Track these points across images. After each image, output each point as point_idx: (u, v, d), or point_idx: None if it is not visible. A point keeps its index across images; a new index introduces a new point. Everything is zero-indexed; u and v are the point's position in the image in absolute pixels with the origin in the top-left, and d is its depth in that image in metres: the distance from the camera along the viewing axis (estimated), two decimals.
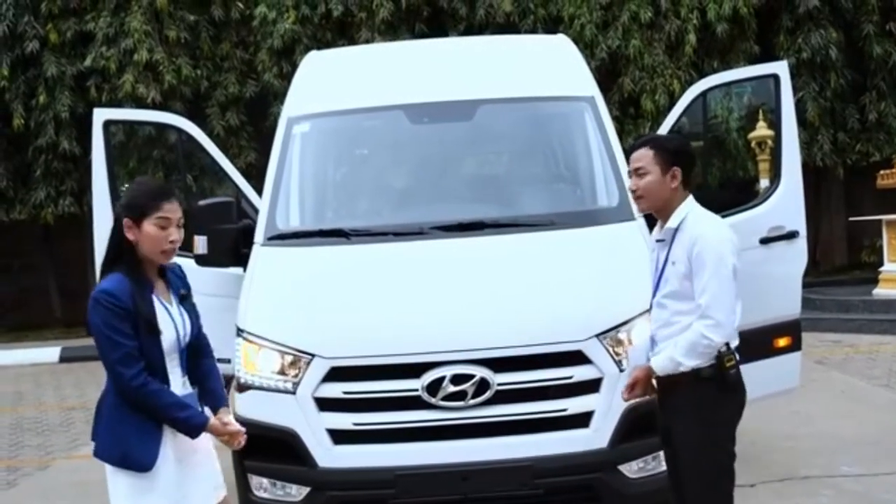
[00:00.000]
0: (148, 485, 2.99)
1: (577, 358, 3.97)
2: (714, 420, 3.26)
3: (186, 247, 4.89)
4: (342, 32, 14.46)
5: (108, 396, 3.06)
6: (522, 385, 3.93)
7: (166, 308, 3.08)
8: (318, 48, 7.86)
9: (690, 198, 3.38)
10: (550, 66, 5.48)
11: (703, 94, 5.23)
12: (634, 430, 3.96)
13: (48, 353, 13.17)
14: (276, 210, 4.86)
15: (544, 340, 3.95)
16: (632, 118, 13.84)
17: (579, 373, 3.96)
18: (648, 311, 4.09)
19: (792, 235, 5.00)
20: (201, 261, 4.73)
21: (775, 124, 5.35)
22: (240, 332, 4.19)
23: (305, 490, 3.98)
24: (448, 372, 3.87)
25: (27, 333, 15.37)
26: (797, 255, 5.05)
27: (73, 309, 15.20)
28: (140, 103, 13.56)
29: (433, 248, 4.44)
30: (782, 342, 5.01)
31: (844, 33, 14.15)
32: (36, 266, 16.37)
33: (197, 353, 3.23)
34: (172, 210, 3.05)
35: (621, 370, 3.97)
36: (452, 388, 3.86)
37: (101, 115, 5.31)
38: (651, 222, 4.58)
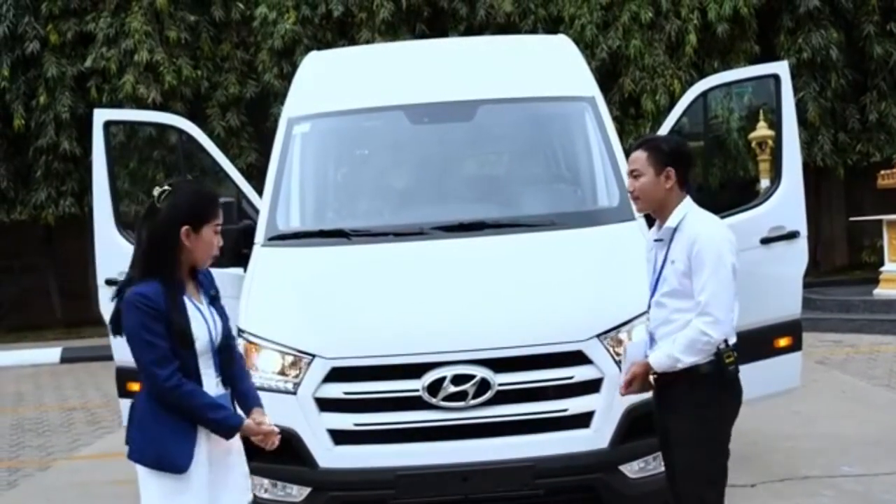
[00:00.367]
0: (182, 486, 2.98)
1: (578, 358, 3.97)
2: (712, 417, 3.28)
3: None
4: (342, 33, 14.46)
5: (141, 399, 3.05)
6: (523, 385, 3.93)
7: (199, 309, 3.08)
8: (319, 48, 7.87)
9: (688, 200, 3.40)
10: (551, 67, 5.49)
11: (704, 94, 5.23)
12: (635, 431, 3.96)
13: (49, 353, 13.16)
14: (277, 210, 4.87)
15: (545, 341, 3.95)
16: (632, 118, 13.84)
17: (580, 373, 3.97)
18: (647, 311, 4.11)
19: (792, 235, 4.99)
20: None
21: (776, 124, 5.34)
22: (240, 332, 4.19)
23: (306, 490, 3.98)
24: (449, 372, 3.87)
25: (28, 334, 15.37)
26: (798, 255, 5.05)
27: (74, 309, 15.21)
28: (140, 104, 13.56)
29: (434, 249, 4.45)
30: (783, 342, 5.01)
31: (845, 33, 14.15)
32: (36, 267, 16.37)
33: (228, 355, 3.22)
34: (221, 216, 3.12)
35: (622, 370, 3.96)
36: (453, 389, 3.86)
37: (101, 116, 5.31)
38: (651, 222, 4.60)
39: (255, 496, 4.11)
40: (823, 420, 6.81)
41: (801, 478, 5.43)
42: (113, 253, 5.19)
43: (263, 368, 4.08)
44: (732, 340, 3.31)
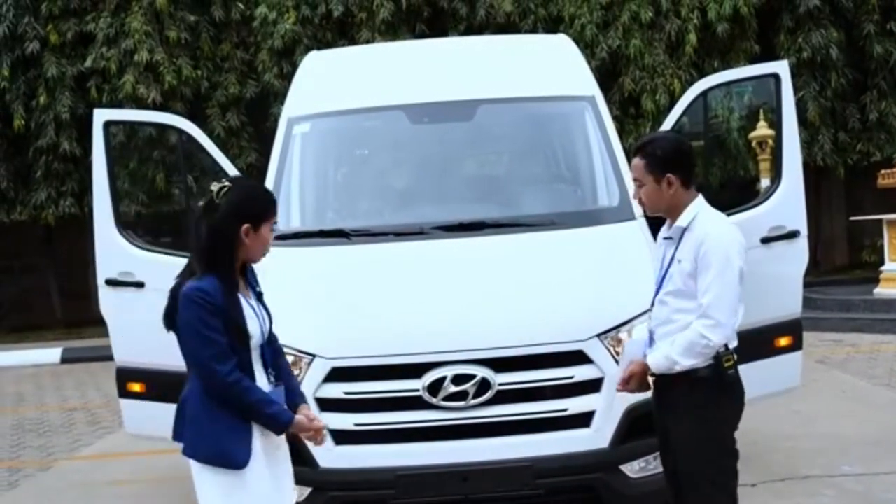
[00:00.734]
0: (240, 482, 2.98)
1: (578, 358, 3.97)
2: (712, 420, 3.24)
3: (187, 247, 4.91)
4: (342, 33, 14.46)
5: (193, 395, 3.03)
6: (523, 385, 3.93)
7: (250, 305, 3.10)
8: (319, 48, 7.86)
9: (699, 199, 3.34)
10: (551, 66, 5.49)
11: (704, 93, 5.23)
12: (635, 430, 3.96)
13: (49, 354, 13.17)
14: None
15: (545, 340, 3.95)
16: (632, 118, 13.83)
17: (580, 373, 3.97)
18: (649, 310, 4.11)
19: (793, 235, 4.99)
20: None
21: (776, 124, 5.34)
22: None
23: (307, 490, 3.97)
24: (449, 372, 3.87)
25: (28, 334, 15.37)
26: (798, 254, 5.05)
27: (74, 310, 15.22)
28: (140, 104, 13.56)
29: (434, 249, 4.45)
30: (783, 342, 5.01)
31: (845, 33, 14.14)
32: (37, 267, 16.37)
33: (274, 351, 3.24)
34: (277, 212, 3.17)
35: (620, 367, 3.96)
36: (453, 389, 3.86)
37: (101, 116, 5.31)
38: (651, 222, 4.60)
39: None
40: (824, 420, 6.81)
41: (801, 477, 5.43)
42: (113, 253, 5.19)
43: None
44: (733, 344, 3.27)
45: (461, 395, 3.87)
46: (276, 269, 4.51)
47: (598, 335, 3.99)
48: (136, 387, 5.25)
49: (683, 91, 6.19)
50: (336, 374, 3.95)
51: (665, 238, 3.41)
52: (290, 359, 3.99)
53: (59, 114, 14.33)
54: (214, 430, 2.98)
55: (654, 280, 4.28)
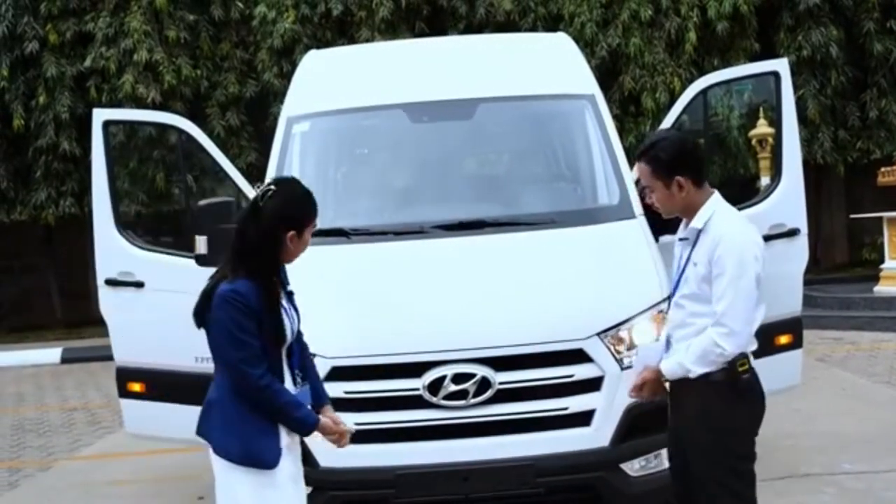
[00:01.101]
0: (269, 481, 2.99)
1: (578, 356, 3.96)
2: (725, 427, 3.12)
3: (187, 247, 4.91)
4: (342, 31, 14.45)
5: (222, 396, 3.02)
6: (523, 384, 3.93)
7: (283, 307, 3.09)
8: (318, 47, 7.85)
9: (715, 196, 3.21)
10: (550, 65, 5.48)
11: (704, 91, 5.23)
12: (636, 429, 3.96)
13: (49, 354, 13.16)
14: None
15: (545, 339, 3.95)
16: (632, 116, 13.83)
17: (580, 371, 3.96)
18: (649, 309, 4.11)
19: (793, 233, 4.99)
20: (202, 261, 4.71)
21: (776, 122, 5.34)
22: None
23: (307, 490, 3.97)
24: (449, 371, 3.87)
25: (28, 334, 15.37)
26: (798, 252, 5.05)
27: (74, 310, 15.21)
28: (140, 103, 13.55)
29: (434, 248, 4.44)
30: (783, 340, 5.01)
31: (845, 30, 14.13)
32: (37, 267, 16.37)
33: (301, 350, 3.23)
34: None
35: (622, 368, 3.96)
36: (454, 388, 3.86)
37: (100, 116, 5.31)
38: (652, 220, 4.59)
39: None
40: (824, 417, 6.81)
41: (801, 475, 5.43)
42: (113, 253, 5.19)
43: None
44: (752, 348, 3.17)
45: (461, 394, 3.87)
46: None
47: (598, 334, 3.98)
48: (136, 386, 5.25)
49: (683, 89, 6.19)
50: (336, 374, 3.95)
51: (680, 239, 3.29)
52: None
53: (58, 114, 14.32)
54: (245, 430, 2.98)
55: (654, 278, 4.29)
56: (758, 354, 3.26)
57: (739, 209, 4.94)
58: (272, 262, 3.03)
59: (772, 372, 4.85)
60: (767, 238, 4.91)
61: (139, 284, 5.13)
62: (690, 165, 3.18)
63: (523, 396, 3.93)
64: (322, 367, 3.93)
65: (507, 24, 13.73)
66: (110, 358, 5.37)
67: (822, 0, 13.62)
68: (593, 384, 3.97)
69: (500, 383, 3.88)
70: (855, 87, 14.43)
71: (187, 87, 14.36)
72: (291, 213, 3.03)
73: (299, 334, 3.21)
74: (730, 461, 3.15)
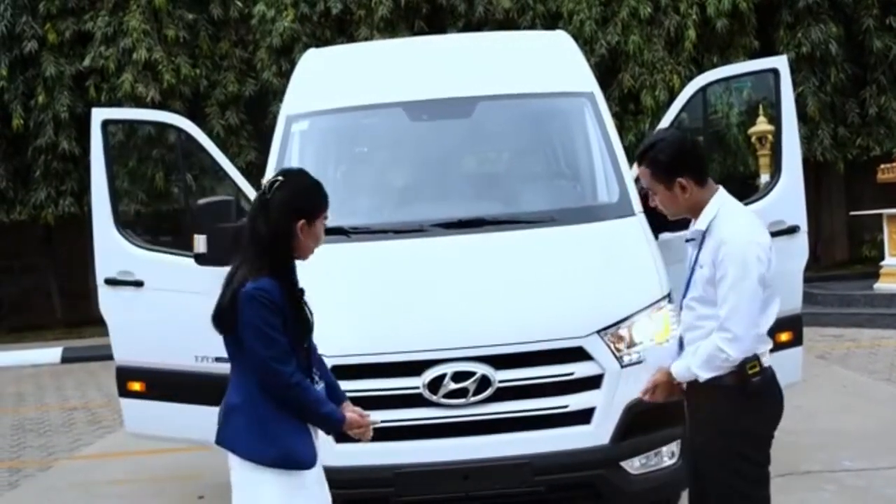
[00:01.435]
0: (301, 482, 2.92)
1: (578, 354, 3.96)
2: (735, 431, 3.05)
3: (186, 246, 4.91)
4: (341, 30, 14.45)
5: (245, 399, 2.92)
6: (523, 382, 3.93)
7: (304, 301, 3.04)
8: (317, 46, 7.85)
9: (719, 193, 3.13)
10: (549, 63, 5.48)
11: (703, 89, 5.22)
12: (636, 427, 3.96)
13: (49, 353, 13.16)
14: None
15: (545, 337, 3.95)
16: (632, 114, 13.83)
17: (580, 369, 3.96)
18: (649, 306, 4.11)
19: (793, 230, 4.99)
20: (201, 260, 4.72)
21: (775, 119, 5.34)
22: None
23: None
24: (449, 369, 3.87)
25: (28, 334, 15.36)
26: (798, 249, 5.04)
27: (74, 309, 15.21)
28: (139, 103, 13.54)
29: (433, 246, 4.44)
30: (784, 337, 5.00)
31: (844, 27, 14.12)
32: (37, 267, 16.36)
33: (313, 348, 3.18)
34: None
35: (622, 366, 3.97)
36: (453, 386, 3.86)
37: (99, 115, 5.30)
38: (652, 217, 4.59)
39: None
40: (824, 415, 6.81)
41: (802, 473, 5.43)
42: (112, 252, 5.19)
43: None
44: (764, 347, 3.11)
45: (461, 393, 3.86)
46: None
47: (598, 331, 3.98)
48: (136, 386, 5.26)
49: (683, 87, 6.18)
50: (336, 372, 3.89)
51: (687, 240, 3.23)
52: None
53: (57, 113, 14.32)
54: (279, 432, 2.89)
55: (654, 276, 4.29)
56: None
57: None
58: (286, 254, 2.94)
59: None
60: None
61: (139, 284, 5.13)
62: (691, 165, 3.10)
63: (523, 394, 3.93)
64: None
65: (506, 22, 13.73)
66: (110, 357, 5.37)
67: None
68: (593, 382, 3.97)
69: (500, 381, 3.88)
70: (854, 83, 14.42)
71: (186, 86, 14.35)
72: (300, 202, 2.95)
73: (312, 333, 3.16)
74: (740, 464, 3.08)
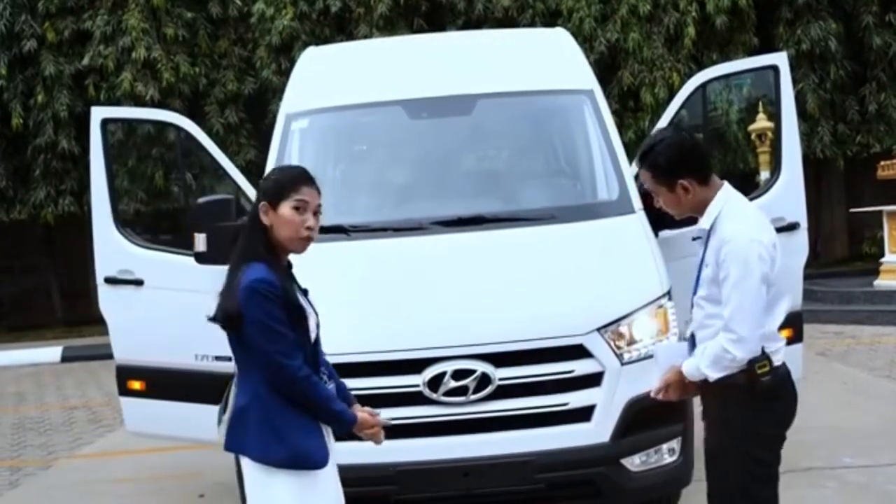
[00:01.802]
0: (314, 482, 2.84)
1: (579, 352, 3.96)
2: (745, 430, 3.03)
3: (186, 244, 4.91)
4: (340, 28, 14.45)
5: (253, 400, 2.84)
6: (524, 380, 3.92)
7: (303, 299, 2.98)
8: (317, 44, 7.84)
9: (723, 190, 3.09)
10: (549, 60, 5.47)
11: (703, 86, 5.22)
12: (636, 424, 3.95)
13: (50, 352, 13.17)
14: None
15: (545, 335, 3.94)
16: (631, 111, 13.83)
17: (580, 367, 3.96)
18: (649, 304, 4.10)
19: (793, 227, 4.98)
20: (201, 258, 4.71)
21: (775, 116, 5.33)
22: None
23: None
24: (449, 367, 3.86)
25: (28, 333, 15.37)
26: (798, 246, 5.04)
27: (74, 308, 15.22)
28: (138, 101, 13.56)
29: (433, 244, 4.43)
30: (784, 334, 4.97)
31: (844, 24, 14.13)
32: (36, 266, 16.37)
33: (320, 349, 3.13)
34: (311, 195, 2.90)
35: (623, 364, 3.97)
36: (454, 384, 3.86)
37: (98, 114, 5.30)
38: (652, 215, 4.59)
39: None
40: (825, 412, 6.80)
41: (803, 469, 5.43)
42: (112, 251, 5.19)
43: None
44: (776, 346, 3.10)
45: (461, 391, 3.86)
46: None
47: (599, 329, 3.98)
48: (136, 385, 5.26)
49: (682, 84, 6.18)
50: (336, 371, 3.94)
51: (694, 238, 3.22)
52: None
53: (57, 112, 14.33)
54: (290, 431, 2.82)
55: (654, 273, 4.28)
56: None
57: None
58: (257, 240, 2.86)
59: None
60: None
61: (139, 282, 5.13)
62: (692, 165, 3.06)
63: (523, 392, 3.92)
64: None
65: (506, 20, 13.74)
66: (110, 356, 5.37)
67: None
68: (593, 379, 3.97)
69: (500, 379, 3.88)
70: (854, 80, 14.43)
71: (186, 84, 14.36)
72: (263, 186, 2.91)
73: (319, 333, 3.09)
74: (749, 464, 3.07)
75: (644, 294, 4.13)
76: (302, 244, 2.93)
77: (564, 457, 3.89)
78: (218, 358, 4.83)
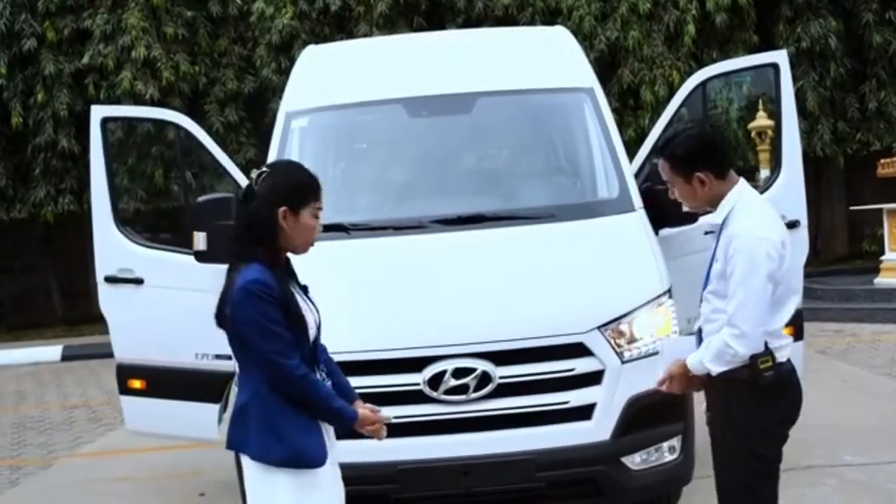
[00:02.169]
0: (314, 481, 2.85)
1: (579, 350, 3.96)
2: (747, 426, 3.04)
3: (186, 243, 4.91)
4: (340, 27, 14.44)
5: (253, 399, 2.85)
6: (524, 378, 3.92)
7: (301, 297, 2.98)
8: (316, 43, 7.84)
9: (738, 186, 3.11)
10: (549, 58, 5.47)
11: (703, 84, 5.21)
12: (637, 422, 3.96)
13: (50, 352, 13.17)
14: None
15: (545, 333, 3.94)
16: (631, 109, 13.82)
17: (581, 365, 3.96)
18: (649, 302, 4.10)
19: (793, 225, 4.98)
20: (201, 257, 4.72)
21: (775, 114, 5.33)
22: None
23: None
24: (449, 366, 3.86)
25: (28, 332, 15.37)
26: (798, 244, 5.03)
27: (75, 307, 15.22)
28: (138, 100, 13.54)
29: (433, 242, 4.43)
30: (785, 332, 4.99)
31: (844, 22, 14.12)
32: (36, 265, 16.37)
33: (323, 347, 3.13)
34: (322, 200, 2.96)
35: (623, 362, 3.97)
36: (454, 382, 3.86)
37: (98, 113, 5.30)
38: (652, 214, 4.59)
39: None
40: (825, 410, 6.80)
41: (803, 467, 5.43)
42: (112, 250, 5.19)
43: None
44: (780, 342, 3.09)
45: (462, 389, 3.86)
46: None
47: (599, 327, 3.98)
48: (136, 383, 5.26)
49: (682, 82, 6.18)
50: None
51: (706, 233, 3.25)
52: None
53: (56, 111, 14.32)
54: (289, 429, 2.83)
55: (654, 271, 4.28)
56: None
57: None
58: (269, 244, 2.86)
59: None
60: None
61: (139, 281, 5.13)
62: (710, 159, 3.08)
63: (524, 391, 3.92)
64: None
65: (506, 18, 13.72)
66: (111, 355, 5.37)
67: None
68: (594, 378, 3.97)
69: (501, 377, 3.88)
70: (854, 78, 14.42)
71: (185, 83, 14.36)
72: (284, 190, 2.88)
73: (319, 331, 3.08)
74: (750, 460, 3.08)
75: (644, 292, 4.13)
76: (308, 247, 2.97)
77: (565, 455, 3.89)
78: (218, 357, 4.84)
